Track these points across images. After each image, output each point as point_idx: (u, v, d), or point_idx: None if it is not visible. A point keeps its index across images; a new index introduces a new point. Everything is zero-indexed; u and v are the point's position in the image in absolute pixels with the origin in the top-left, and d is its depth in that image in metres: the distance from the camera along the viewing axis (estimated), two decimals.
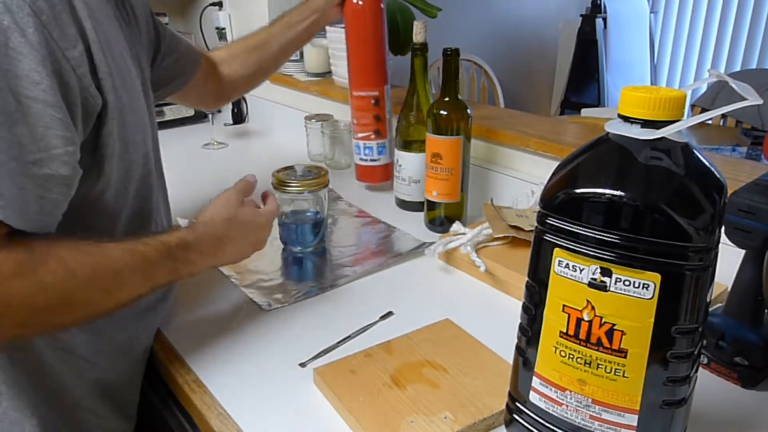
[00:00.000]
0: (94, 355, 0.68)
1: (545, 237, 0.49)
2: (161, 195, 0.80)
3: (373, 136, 1.16)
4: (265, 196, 0.83)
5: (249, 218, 0.76)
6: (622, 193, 0.44)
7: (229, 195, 0.76)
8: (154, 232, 0.67)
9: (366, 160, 1.19)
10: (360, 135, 1.17)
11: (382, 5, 1.10)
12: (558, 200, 0.48)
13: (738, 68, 3.18)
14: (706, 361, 0.68)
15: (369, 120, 1.15)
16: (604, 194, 0.45)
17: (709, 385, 0.65)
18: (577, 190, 0.47)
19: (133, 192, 0.69)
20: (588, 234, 0.46)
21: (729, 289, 0.69)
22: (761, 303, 0.66)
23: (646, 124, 0.45)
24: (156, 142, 0.79)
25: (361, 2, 1.09)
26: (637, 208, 0.44)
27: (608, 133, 0.47)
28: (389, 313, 0.79)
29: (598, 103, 3.30)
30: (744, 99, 0.44)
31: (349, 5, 1.09)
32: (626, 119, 0.46)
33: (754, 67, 3.14)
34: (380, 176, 1.19)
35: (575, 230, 0.47)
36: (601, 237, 0.45)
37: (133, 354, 0.73)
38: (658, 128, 0.45)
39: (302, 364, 0.69)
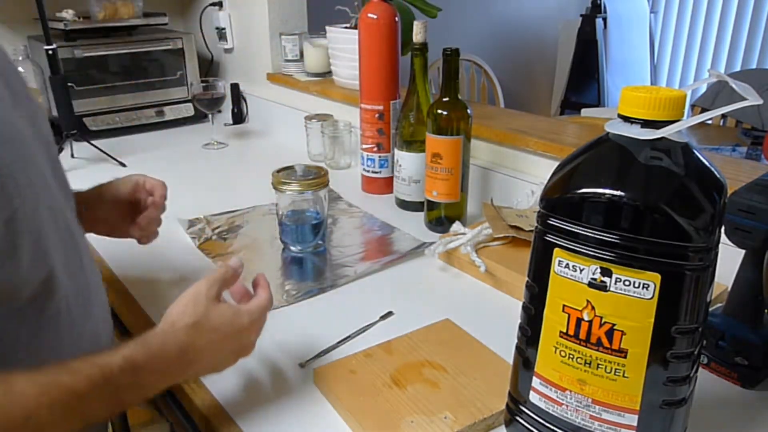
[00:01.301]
0: None
1: (545, 237, 0.49)
2: (68, 246, 0.57)
3: (375, 149, 1.17)
4: (256, 284, 0.65)
5: (225, 320, 0.58)
6: (622, 193, 0.44)
7: (198, 290, 0.58)
8: (90, 353, 0.50)
9: (368, 171, 1.21)
10: (364, 146, 1.19)
11: (396, 19, 1.11)
12: (558, 200, 0.48)
13: (738, 68, 3.18)
14: (706, 361, 0.68)
15: (372, 133, 1.17)
16: (604, 194, 0.45)
17: (709, 385, 0.65)
18: (578, 190, 0.47)
19: (29, 248, 0.50)
20: (588, 234, 0.46)
21: (729, 289, 0.69)
22: (761, 303, 0.66)
23: (646, 124, 0.45)
24: (53, 164, 0.59)
25: (375, 16, 1.09)
26: (637, 208, 0.44)
27: (608, 133, 0.47)
28: (389, 313, 0.79)
29: (598, 103, 3.30)
30: (744, 99, 0.44)
31: (363, 18, 1.10)
32: (626, 119, 0.46)
33: (754, 67, 3.14)
34: (381, 188, 1.21)
35: (575, 230, 0.47)
36: (601, 237, 0.45)
37: None
38: (658, 128, 0.45)
39: (302, 365, 0.69)
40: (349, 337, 0.74)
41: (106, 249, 0.99)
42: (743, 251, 0.66)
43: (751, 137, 1.92)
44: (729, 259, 0.63)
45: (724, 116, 2.21)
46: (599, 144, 0.48)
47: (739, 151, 1.80)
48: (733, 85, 0.45)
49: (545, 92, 3.60)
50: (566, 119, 2.49)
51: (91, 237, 1.03)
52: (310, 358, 0.70)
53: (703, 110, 2.27)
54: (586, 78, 3.32)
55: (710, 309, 0.49)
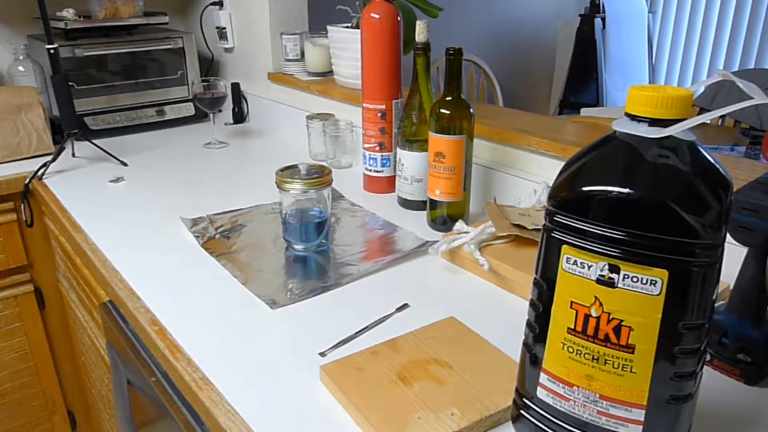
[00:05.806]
0: None
1: (553, 234, 0.49)
2: None
3: (377, 148, 1.18)
4: None
5: None
6: (630, 191, 0.45)
7: None
8: None
9: (370, 171, 1.21)
10: (366, 145, 1.19)
11: (399, 18, 1.11)
12: (566, 198, 0.48)
13: (736, 68, 3.20)
14: (709, 357, 0.68)
15: (375, 132, 1.17)
16: (612, 192, 0.45)
17: (712, 382, 0.66)
18: (585, 188, 0.47)
19: None
20: (596, 231, 0.46)
21: (732, 286, 0.70)
22: (764, 300, 0.67)
23: (654, 122, 0.46)
24: None
25: (377, 15, 1.09)
26: (645, 205, 0.44)
27: (615, 131, 0.48)
28: (405, 305, 0.80)
29: (596, 102, 3.32)
30: (751, 98, 0.44)
31: (366, 18, 1.10)
32: (633, 118, 0.47)
33: (752, 66, 3.15)
34: (383, 188, 1.21)
35: (583, 227, 0.47)
36: (609, 234, 0.46)
37: None
38: (665, 127, 0.45)
39: (322, 354, 0.70)
40: (354, 335, 0.74)
41: (109, 247, 1.00)
42: (746, 249, 0.66)
43: (750, 137, 1.93)
44: (732, 257, 0.64)
45: (722, 116, 2.22)
46: (606, 142, 0.48)
47: (738, 151, 1.81)
48: (740, 85, 0.46)
49: (544, 92, 3.61)
50: (566, 118, 2.50)
51: (95, 235, 1.04)
52: (327, 348, 0.70)
53: (702, 110, 2.28)
54: (584, 78, 3.33)
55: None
